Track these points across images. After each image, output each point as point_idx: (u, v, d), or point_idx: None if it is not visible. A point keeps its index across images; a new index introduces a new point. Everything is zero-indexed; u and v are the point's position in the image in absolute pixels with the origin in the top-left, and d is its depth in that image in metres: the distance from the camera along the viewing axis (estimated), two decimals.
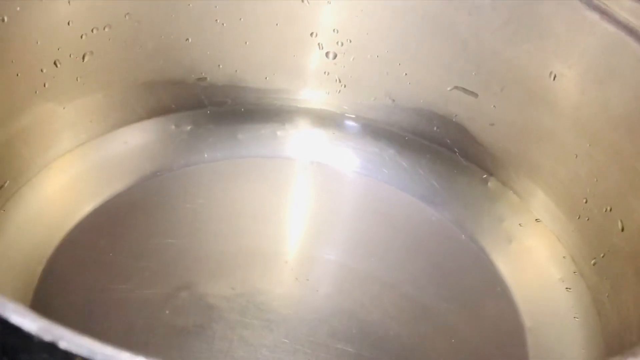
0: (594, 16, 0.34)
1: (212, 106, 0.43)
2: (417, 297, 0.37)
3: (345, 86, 0.43)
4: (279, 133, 0.43)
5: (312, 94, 0.43)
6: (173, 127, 0.42)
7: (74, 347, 0.16)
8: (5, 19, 0.33)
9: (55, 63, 0.36)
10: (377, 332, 0.35)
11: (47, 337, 0.16)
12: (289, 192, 0.42)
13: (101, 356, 0.16)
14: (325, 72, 0.42)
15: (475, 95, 0.40)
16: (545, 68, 0.36)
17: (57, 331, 0.16)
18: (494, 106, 0.39)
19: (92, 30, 0.37)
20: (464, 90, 0.40)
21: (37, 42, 0.35)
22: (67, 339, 0.16)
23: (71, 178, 0.39)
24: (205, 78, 0.42)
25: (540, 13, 0.35)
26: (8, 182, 0.36)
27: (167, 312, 0.34)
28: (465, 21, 0.38)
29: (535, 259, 0.39)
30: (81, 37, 0.37)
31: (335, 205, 0.41)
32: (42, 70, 0.36)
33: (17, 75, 0.35)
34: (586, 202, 0.37)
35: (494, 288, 0.37)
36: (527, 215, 0.40)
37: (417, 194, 0.41)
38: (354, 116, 0.43)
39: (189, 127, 0.42)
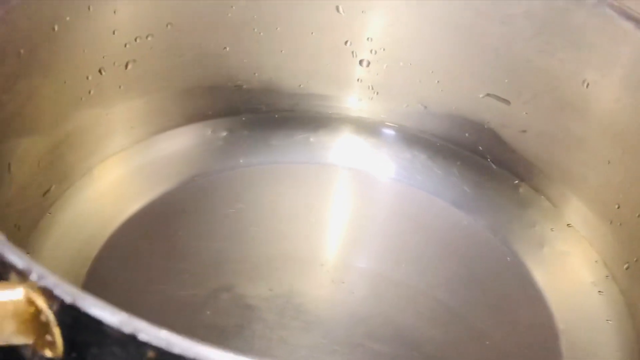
0: (628, 25, 0.34)
1: (247, 113, 0.44)
2: (450, 301, 0.37)
3: (377, 93, 0.44)
4: (312, 139, 0.44)
5: (345, 101, 0.44)
6: (209, 133, 0.43)
7: (153, 339, 0.17)
8: (56, 27, 0.34)
9: (100, 71, 0.37)
10: (412, 334, 0.36)
11: (127, 329, 0.17)
12: (323, 197, 0.43)
13: (178, 348, 0.17)
14: (358, 80, 0.43)
15: (507, 102, 0.40)
16: (578, 76, 0.37)
17: (137, 324, 0.17)
18: (526, 113, 0.40)
19: (135, 40, 0.38)
20: (496, 97, 0.41)
21: (84, 51, 0.36)
22: (147, 331, 0.17)
23: (113, 182, 0.40)
24: (241, 85, 0.43)
25: (573, 23, 0.36)
26: (54, 186, 0.37)
27: (208, 312, 0.35)
28: (497, 30, 0.38)
29: (567, 263, 0.39)
30: (125, 45, 0.38)
31: (369, 210, 0.42)
32: (87, 78, 0.37)
33: (65, 82, 0.36)
34: (618, 207, 0.37)
35: (527, 292, 0.38)
36: (559, 221, 0.41)
37: (449, 199, 0.42)
38: (386, 123, 0.44)
39: (224, 133, 0.43)
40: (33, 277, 0.19)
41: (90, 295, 0.18)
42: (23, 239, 0.35)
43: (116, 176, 0.40)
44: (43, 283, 0.19)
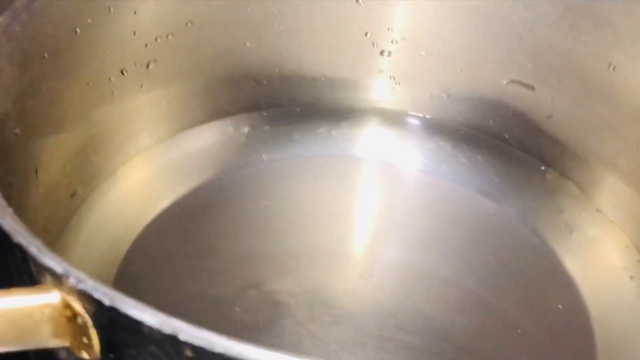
0: None
1: (268, 108, 0.44)
2: (480, 291, 0.37)
3: (399, 83, 0.43)
4: (333, 132, 0.44)
5: (367, 93, 0.44)
6: (231, 129, 0.43)
7: (194, 339, 0.17)
8: (78, 30, 0.34)
9: (122, 72, 0.37)
10: (443, 325, 0.35)
11: (167, 330, 0.17)
12: (348, 190, 0.42)
13: (220, 347, 0.17)
14: (379, 70, 0.43)
15: (532, 88, 0.40)
16: (604, 59, 0.37)
17: (177, 324, 0.17)
18: (552, 98, 0.40)
19: (156, 39, 0.38)
20: (521, 83, 0.40)
21: (105, 52, 0.36)
22: (187, 331, 0.17)
23: (138, 182, 0.40)
24: (262, 81, 0.43)
25: (598, 5, 0.36)
26: (80, 188, 0.37)
27: (237, 309, 0.35)
28: (520, 15, 0.38)
29: (597, 248, 0.39)
30: (146, 45, 0.38)
31: (395, 202, 0.42)
32: (110, 79, 0.37)
33: (88, 84, 0.36)
34: None
35: (558, 279, 0.38)
36: (588, 206, 0.40)
37: (476, 188, 0.41)
38: (409, 113, 0.44)
39: (246, 129, 0.43)
40: (71, 281, 0.19)
41: (128, 297, 0.18)
42: (51, 242, 0.35)
43: (141, 176, 0.40)
44: (81, 287, 0.19)
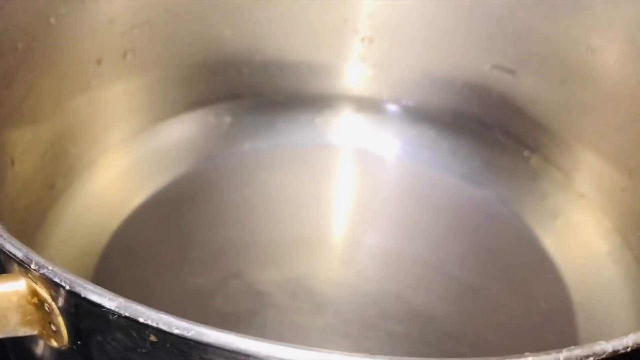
0: None
1: (250, 97, 0.43)
2: (463, 277, 0.37)
3: (381, 70, 0.43)
4: (317, 120, 0.44)
5: (349, 80, 0.44)
6: (213, 119, 0.43)
7: (151, 321, 0.17)
8: (52, 20, 0.34)
9: (98, 62, 0.37)
10: (426, 312, 0.35)
11: (126, 312, 0.17)
12: (330, 178, 0.42)
13: (177, 329, 0.16)
14: (361, 58, 0.43)
15: (513, 73, 0.40)
16: (583, 43, 0.36)
17: (135, 307, 0.17)
18: (533, 83, 0.39)
19: (132, 28, 0.38)
20: (502, 68, 0.40)
21: (81, 42, 0.36)
22: (145, 314, 0.17)
23: (117, 173, 0.40)
24: (243, 69, 0.42)
25: None
26: (59, 179, 0.37)
27: (219, 300, 0.35)
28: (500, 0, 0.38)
29: (580, 233, 0.39)
30: (122, 35, 0.37)
31: (377, 190, 0.42)
32: (86, 70, 0.37)
33: (64, 75, 0.35)
34: (630, 174, 0.37)
35: (541, 264, 0.37)
36: (571, 191, 0.40)
37: (458, 174, 0.41)
38: (391, 100, 0.44)
39: (228, 119, 0.43)
40: (33, 266, 0.18)
41: (87, 282, 0.18)
42: (30, 234, 0.35)
43: (121, 167, 0.40)
44: (43, 272, 0.18)
